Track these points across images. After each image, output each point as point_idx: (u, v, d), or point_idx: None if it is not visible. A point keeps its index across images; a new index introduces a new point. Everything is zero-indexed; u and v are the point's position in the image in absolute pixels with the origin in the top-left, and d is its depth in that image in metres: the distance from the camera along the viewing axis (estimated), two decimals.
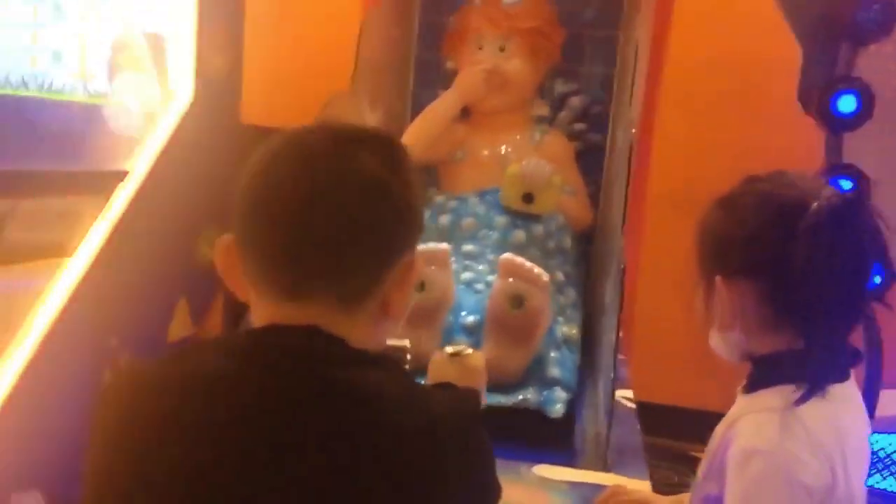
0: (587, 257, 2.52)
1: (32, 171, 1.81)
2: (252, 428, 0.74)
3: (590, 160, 2.59)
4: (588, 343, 2.21)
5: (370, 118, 2.25)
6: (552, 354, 2.05)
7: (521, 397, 1.97)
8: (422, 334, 2.01)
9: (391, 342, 1.06)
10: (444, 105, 2.43)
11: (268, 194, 0.81)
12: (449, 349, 1.08)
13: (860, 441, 1.03)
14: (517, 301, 1.98)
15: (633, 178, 2.48)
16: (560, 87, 2.62)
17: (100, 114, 2.31)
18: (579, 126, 2.60)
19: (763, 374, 1.03)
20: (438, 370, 1.12)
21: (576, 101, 2.60)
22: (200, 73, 2.32)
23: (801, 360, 0.97)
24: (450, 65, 2.57)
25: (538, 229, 2.36)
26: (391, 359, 0.85)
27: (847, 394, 1.02)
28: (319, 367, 0.78)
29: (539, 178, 2.31)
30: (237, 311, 1.10)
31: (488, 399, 1.97)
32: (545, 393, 1.97)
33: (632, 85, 2.27)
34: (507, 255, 2.03)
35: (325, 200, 0.80)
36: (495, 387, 1.98)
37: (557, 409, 1.92)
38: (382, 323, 0.86)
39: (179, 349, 0.82)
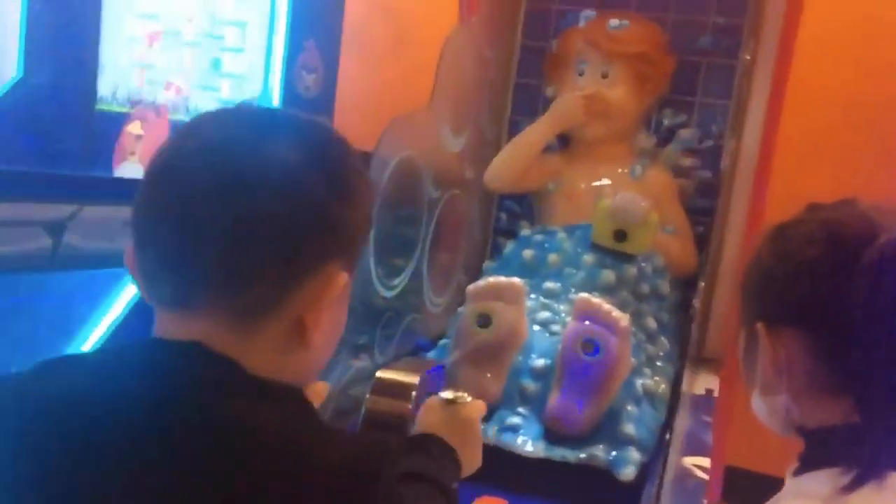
0: (687, 305, 2.29)
1: (99, 178, 1.81)
2: (100, 457, 0.63)
3: (698, 198, 2.37)
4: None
5: (451, 143, 2.14)
6: (629, 409, 1.84)
7: (588, 454, 1.78)
8: (485, 375, 1.87)
9: (445, 394, 0.93)
10: (536, 132, 2.29)
11: (157, 184, 0.69)
12: (446, 394, 0.93)
13: None
14: (590, 346, 1.80)
15: (747, 220, 2.26)
16: (669, 118, 2.42)
17: None
18: (689, 161, 2.38)
19: (813, 452, 0.82)
20: (427, 415, 0.97)
21: (685, 134, 2.40)
22: (289, 92, 2.29)
23: (857, 436, 0.76)
24: (549, 91, 2.43)
25: (630, 270, 2.15)
26: (296, 392, 0.70)
27: None
28: (185, 391, 0.65)
29: (633, 215, 2.11)
30: None
31: (552, 452, 1.80)
32: (616, 452, 1.77)
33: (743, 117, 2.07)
34: (582, 295, 1.86)
35: (220, 193, 0.66)
36: (562, 439, 1.81)
37: (628, 472, 1.72)
38: (298, 350, 0.70)
39: (51, 361, 0.71)
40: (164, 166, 0.70)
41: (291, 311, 0.69)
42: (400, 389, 1.05)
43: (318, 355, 0.75)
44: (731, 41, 2.31)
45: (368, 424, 1.03)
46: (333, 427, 0.71)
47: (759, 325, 0.83)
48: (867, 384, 0.76)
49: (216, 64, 2.31)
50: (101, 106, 2.53)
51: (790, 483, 0.84)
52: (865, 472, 0.74)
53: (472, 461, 0.96)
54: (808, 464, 0.82)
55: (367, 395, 1.07)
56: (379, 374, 1.09)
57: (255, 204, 0.66)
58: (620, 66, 2.28)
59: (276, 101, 2.35)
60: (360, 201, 0.73)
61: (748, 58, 2.18)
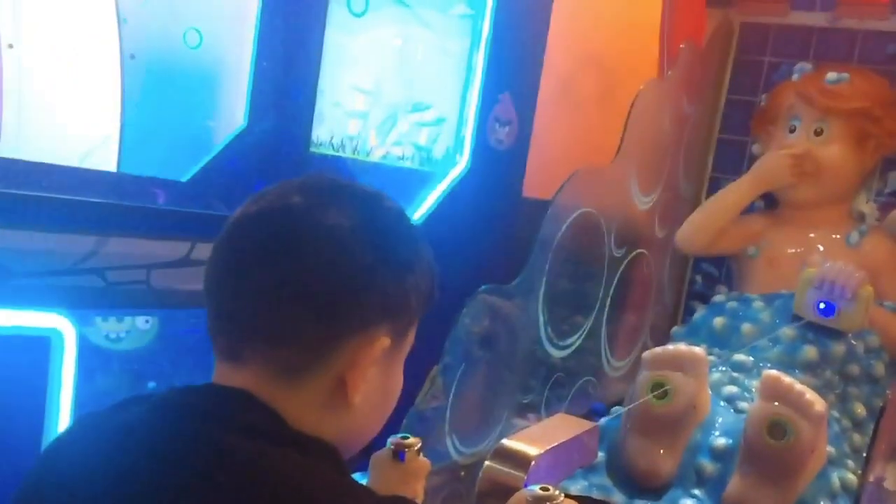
0: None
1: None
2: (134, 481, 0.67)
3: None
4: None
5: (639, 200, 2.04)
6: None
7: None
8: (658, 450, 1.74)
9: (534, 490, 0.88)
10: (735, 192, 2.13)
11: (220, 247, 0.74)
12: (535, 490, 0.84)
13: None
14: (778, 431, 1.62)
15: None
16: (895, 180, 2.17)
17: (387, 172, 2.43)
18: None
19: None
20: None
21: None
22: (481, 144, 2.31)
23: None
24: (755, 148, 2.26)
25: (838, 348, 1.93)
26: (328, 448, 0.71)
27: None
28: (220, 432, 0.67)
29: (843, 287, 1.90)
30: None
31: None
32: None
33: None
34: (771, 373, 1.68)
35: (268, 257, 0.70)
36: None
37: None
38: (340, 409, 0.72)
39: (133, 396, 0.75)
40: (227, 231, 0.74)
41: (333, 371, 0.72)
42: (518, 459, 0.98)
43: (364, 418, 0.76)
44: None
45: (482, 492, 0.97)
46: (361, 488, 0.69)
47: None
48: None
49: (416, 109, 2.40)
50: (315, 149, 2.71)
51: None
52: None
53: None
54: None
55: (486, 461, 1.01)
56: (504, 440, 1.03)
57: (299, 268, 0.70)
58: (837, 123, 2.08)
59: (467, 152, 2.38)
60: (409, 271, 0.75)
61: None
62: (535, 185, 2.46)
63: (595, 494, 1.76)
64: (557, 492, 0.87)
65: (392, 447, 0.97)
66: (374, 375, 0.74)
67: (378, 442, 1.01)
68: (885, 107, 2.08)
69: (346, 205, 0.74)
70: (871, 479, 1.33)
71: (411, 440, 0.97)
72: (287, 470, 0.67)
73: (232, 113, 2.81)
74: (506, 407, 1.67)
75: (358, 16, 2.56)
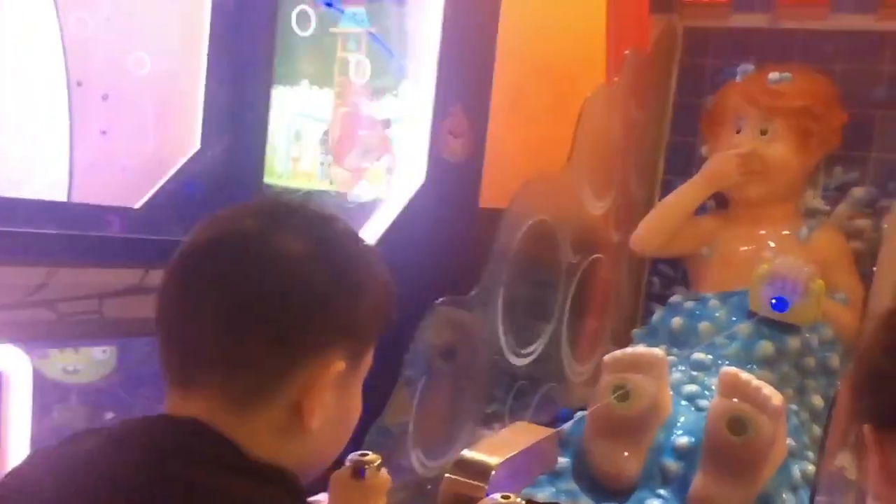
0: None
1: None
2: None
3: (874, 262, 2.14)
4: None
5: (593, 205, 2.07)
6: (784, 497, 1.67)
7: None
8: (622, 452, 1.76)
9: (353, 456, 0.89)
10: (686, 193, 2.16)
11: (172, 272, 0.73)
12: (496, 498, 0.85)
13: None
14: (738, 426, 1.65)
15: None
16: (839, 175, 2.22)
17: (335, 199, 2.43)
18: (862, 222, 2.16)
19: None
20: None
21: (858, 193, 2.19)
22: (436, 157, 2.32)
23: None
24: (704, 149, 2.30)
25: (793, 342, 1.97)
26: (286, 475, 0.70)
27: None
28: (177, 465, 0.67)
29: (794, 282, 1.94)
30: None
31: None
32: None
33: None
34: (729, 370, 1.71)
35: (220, 281, 0.70)
36: None
37: None
38: (298, 435, 0.71)
39: (83, 430, 0.75)
40: (179, 257, 0.74)
41: (289, 397, 0.71)
42: (479, 469, 0.99)
43: (322, 443, 0.75)
44: None
45: (443, 502, 0.97)
46: None
47: (867, 429, 0.71)
48: None
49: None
50: (268, 177, 2.70)
51: None
52: None
53: None
54: None
55: (446, 473, 1.02)
56: (464, 451, 1.04)
57: (252, 294, 0.69)
58: (781, 122, 2.12)
59: (423, 166, 2.38)
60: (364, 294, 0.75)
61: None
62: (493, 195, 2.48)
63: (563, 500, 1.77)
64: (519, 499, 0.88)
65: (351, 465, 0.97)
66: (332, 399, 0.73)
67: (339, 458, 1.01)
68: (827, 104, 2.13)
69: (299, 228, 0.74)
70: (828, 469, 1.35)
71: (371, 457, 0.97)
72: (242, 499, 0.67)
73: (185, 137, 2.79)
74: (470, 418, 1.67)
75: (306, 37, 2.56)
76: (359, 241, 0.77)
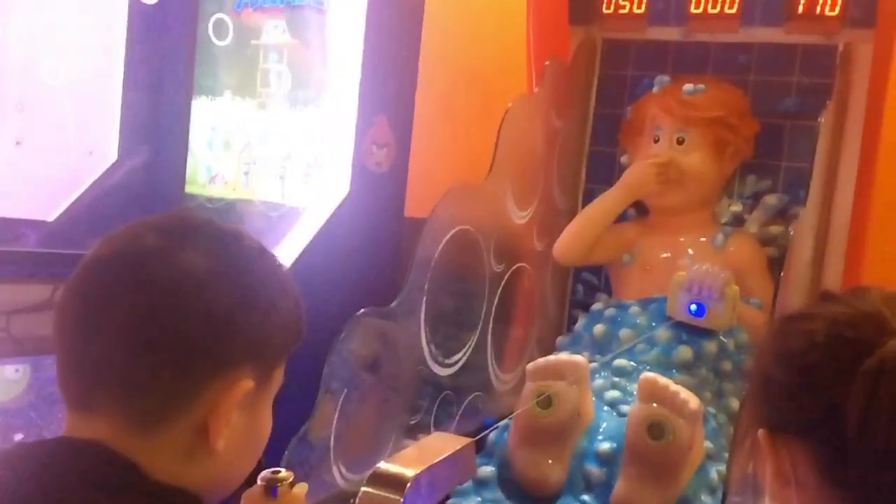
0: None
1: None
2: None
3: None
4: None
5: (516, 214, 2.09)
6: (703, 499, 1.70)
7: None
8: (546, 459, 1.78)
9: (264, 474, 0.88)
10: (606, 202, 2.20)
11: (69, 290, 0.71)
12: (266, 473, 0.85)
13: None
14: (657, 431, 1.68)
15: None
16: (753, 184, 2.29)
17: (265, 206, 2.40)
18: (775, 228, 2.24)
19: None
20: None
21: (771, 200, 2.26)
22: (360, 167, 2.31)
23: None
24: (624, 159, 2.35)
25: (710, 346, 2.02)
26: (191, 498, 0.69)
27: None
28: (72, 488, 0.65)
29: (710, 288, 1.99)
30: None
31: None
32: None
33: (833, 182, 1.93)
34: (648, 375, 1.74)
35: (118, 301, 0.68)
36: None
37: None
38: (204, 457, 0.70)
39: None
40: (78, 274, 0.72)
41: (193, 417, 0.69)
42: (395, 482, 0.98)
43: (230, 464, 0.74)
44: (818, 102, 2.17)
45: None
46: None
47: (761, 433, 0.73)
48: (868, 500, 0.66)
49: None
50: (190, 187, 2.65)
51: None
52: None
53: None
54: None
55: (362, 487, 1.01)
56: (380, 464, 1.03)
57: (153, 313, 0.68)
58: (696, 132, 2.18)
59: (347, 176, 2.37)
60: (271, 311, 0.73)
61: (833, 119, 2.04)
62: (420, 205, 2.48)
63: None
64: (289, 475, 0.88)
65: (263, 483, 0.95)
66: (239, 419, 0.72)
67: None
68: (739, 115, 2.20)
69: (203, 245, 0.72)
70: (741, 470, 1.39)
71: (283, 474, 0.95)
72: None
73: (103, 148, 2.72)
74: (394, 429, 1.67)
75: (228, 48, 2.52)
76: (266, 257, 0.76)
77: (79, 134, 2.63)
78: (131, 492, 0.66)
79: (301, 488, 1.01)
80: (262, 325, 0.72)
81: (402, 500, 0.95)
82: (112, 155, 2.71)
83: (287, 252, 2.13)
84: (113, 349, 0.67)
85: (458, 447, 1.09)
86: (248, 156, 2.47)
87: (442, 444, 1.10)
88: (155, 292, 0.68)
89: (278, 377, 0.77)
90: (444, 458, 1.06)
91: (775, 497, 0.74)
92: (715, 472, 1.75)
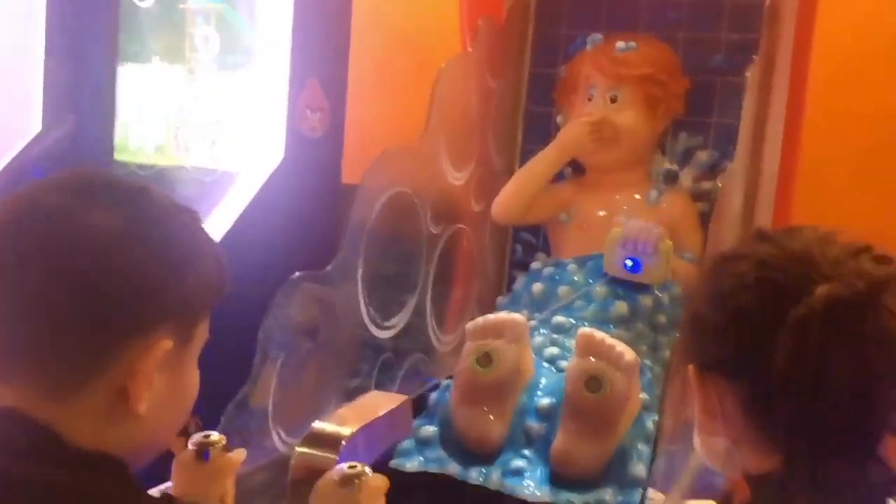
0: None
1: None
2: None
3: None
4: None
5: (452, 175, 2.09)
6: (639, 449, 1.74)
7: (595, 498, 1.69)
8: (487, 417, 1.80)
9: (341, 470, 0.87)
10: (542, 162, 2.21)
11: None
12: (342, 470, 0.83)
13: None
14: (595, 384, 1.71)
15: None
16: (684, 141, 2.32)
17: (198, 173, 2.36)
18: (707, 184, 2.27)
19: (754, 498, 0.74)
20: (319, 501, 0.88)
21: (702, 157, 2.29)
22: (294, 132, 2.28)
23: (783, 486, 0.69)
24: (559, 118, 2.36)
25: (646, 301, 2.06)
26: (110, 462, 0.68)
27: None
28: None
29: (644, 243, 2.02)
30: None
31: (558, 496, 1.71)
32: (624, 495, 1.67)
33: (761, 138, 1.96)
34: (584, 330, 1.77)
35: (25, 264, 0.66)
36: (568, 482, 1.72)
37: None
38: (125, 420, 0.69)
39: None
40: None
41: (112, 381, 0.68)
42: (330, 441, 0.98)
43: (154, 426, 0.73)
44: (746, 58, 2.21)
45: (295, 479, 0.96)
46: (146, 499, 0.67)
47: (691, 369, 0.75)
48: (791, 446, 0.68)
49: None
50: (119, 156, 2.59)
51: None
52: None
53: None
54: None
55: (297, 447, 1.01)
56: (314, 423, 1.03)
57: (59, 276, 0.66)
58: (629, 89, 2.19)
59: (282, 141, 2.34)
60: (187, 268, 0.72)
61: (761, 73, 2.08)
62: (357, 171, 2.46)
63: (431, 468, 1.79)
64: (366, 468, 0.88)
65: (195, 447, 0.94)
66: (161, 380, 0.71)
67: None
68: (670, 71, 2.22)
69: (110, 203, 0.70)
70: (669, 420, 1.42)
71: (215, 437, 0.95)
72: (63, 491, 0.64)
73: (25, 119, 2.63)
74: (334, 393, 1.66)
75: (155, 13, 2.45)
76: (179, 212, 0.74)
77: None
78: (51, 459, 0.65)
79: (239, 454, 1.00)
80: (178, 284, 0.70)
81: (337, 458, 0.95)
82: (35, 126, 2.62)
83: (222, 218, 2.11)
84: (20, 316, 0.66)
85: (394, 405, 1.09)
86: (178, 121, 2.41)
87: (378, 403, 1.10)
88: (61, 254, 0.66)
89: (201, 334, 0.76)
90: (381, 416, 1.07)
91: (703, 428, 0.77)
92: (651, 422, 1.79)
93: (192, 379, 0.76)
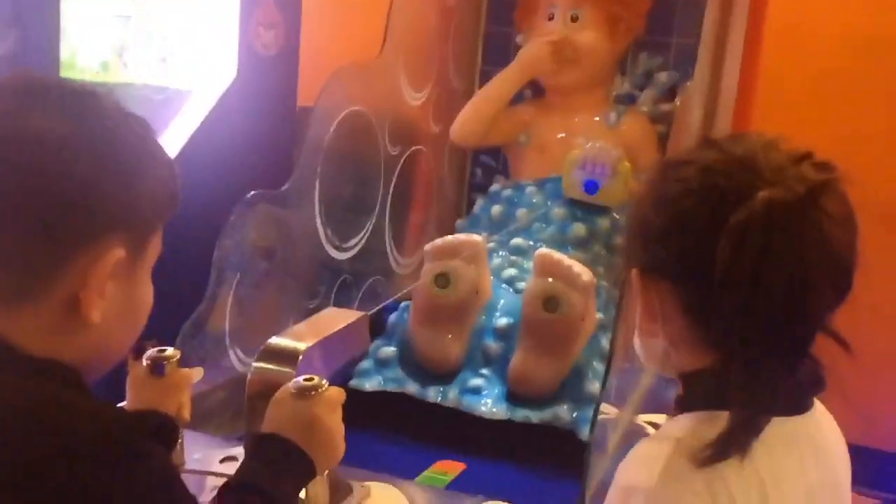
0: None
1: None
2: None
3: None
4: None
5: (411, 96, 2.05)
6: (595, 367, 1.78)
7: (551, 414, 1.72)
8: (445, 336, 1.81)
9: (298, 382, 0.85)
10: (501, 82, 2.18)
11: None
12: (299, 382, 0.83)
13: (811, 488, 0.73)
14: (552, 303, 1.73)
15: None
16: (645, 61, 2.30)
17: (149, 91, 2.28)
18: (666, 106, 2.27)
19: (688, 396, 0.76)
20: (274, 410, 0.85)
21: (663, 78, 2.28)
22: (247, 49, 2.20)
23: (720, 380, 0.70)
24: (519, 39, 2.32)
25: (603, 223, 2.07)
26: (66, 370, 0.67)
27: (792, 431, 0.73)
28: None
29: (602, 165, 2.02)
30: None
31: (515, 413, 1.74)
32: (579, 411, 1.71)
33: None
34: (542, 251, 1.78)
35: None
36: (525, 400, 1.75)
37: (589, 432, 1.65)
38: (80, 330, 0.68)
39: None
40: None
41: (63, 290, 0.66)
42: (286, 356, 0.98)
43: (108, 336, 0.71)
44: None
45: (252, 394, 0.97)
46: (99, 405, 0.67)
47: (634, 272, 0.76)
48: (727, 346, 0.70)
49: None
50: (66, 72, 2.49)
51: (663, 425, 0.79)
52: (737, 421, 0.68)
53: (330, 457, 0.87)
54: (682, 407, 0.76)
55: (253, 363, 1.01)
56: (271, 339, 1.03)
57: (4, 179, 0.64)
58: (590, 8, 2.16)
59: (234, 59, 2.26)
60: (137, 176, 0.69)
61: None
62: (313, 94, 2.40)
63: (390, 388, 1.81)
64: (323, 381, 0.87)
65: (149, 361, 0.93)
66: (114, 290, 0.69)
67: None
68: None
69: (55, 106, 0.66)
70: (623, 339, 1.44)
71: (169, 352, 0.93)
72: (15, 396, 0.63)
73: None
74: (292, 313, 1.66)
75: None
76: (129, 119, 0.71)
77: None
78: (3, 367, 0.64)
79: (197, 372, 0.99)
80: (128, 192, 0.68)
81: (294, 372, 0.95)
82: None
83: (174, 137, 2.04)
84: None
85: (351, 320, 1.09)
86: (127, 37, 2.32)
87: (335, 319, 1.10)
88: (4, 159, 0.63)
89: (155, 246, 0.74)
90: (337, 331, 1.07)
91: (643, 330, 0.78)
92: (606, 340, 1.82)
93: (146, 291, 0.74)
